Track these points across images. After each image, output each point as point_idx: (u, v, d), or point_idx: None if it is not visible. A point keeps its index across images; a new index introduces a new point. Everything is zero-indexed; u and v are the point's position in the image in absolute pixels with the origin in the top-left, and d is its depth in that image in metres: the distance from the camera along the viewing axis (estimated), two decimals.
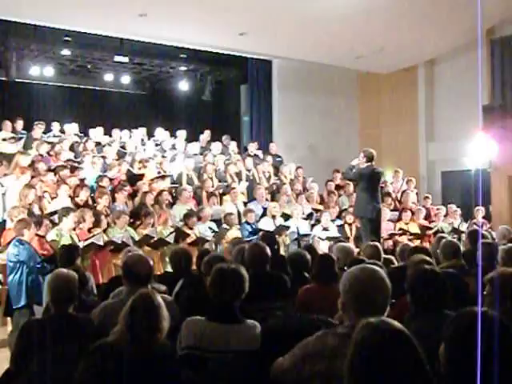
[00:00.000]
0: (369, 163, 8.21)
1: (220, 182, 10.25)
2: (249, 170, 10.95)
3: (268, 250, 4.38)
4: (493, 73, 11.89)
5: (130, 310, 2.76)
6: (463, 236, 8.97)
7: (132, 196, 8.97)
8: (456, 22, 10.87)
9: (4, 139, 10.11)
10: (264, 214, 9.38)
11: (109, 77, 14.29)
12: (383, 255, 5.44)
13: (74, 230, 7.13)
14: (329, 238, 8.92)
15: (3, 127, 10.47)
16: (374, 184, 8.18)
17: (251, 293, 3.15)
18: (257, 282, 3.15)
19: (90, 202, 8.30)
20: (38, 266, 6.12)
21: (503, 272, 3.18)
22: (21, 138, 10.22)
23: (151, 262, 3.65)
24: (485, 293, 3.02)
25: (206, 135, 12.44)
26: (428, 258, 4.25)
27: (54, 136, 11.08)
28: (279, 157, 12.27)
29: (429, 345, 1.95)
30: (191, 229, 8.23)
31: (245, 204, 9.85)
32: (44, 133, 10.78)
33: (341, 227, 9.56)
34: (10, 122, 10.61)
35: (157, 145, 11.69)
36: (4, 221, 7.40)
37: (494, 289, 2.94)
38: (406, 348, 1.82)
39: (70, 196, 8.08)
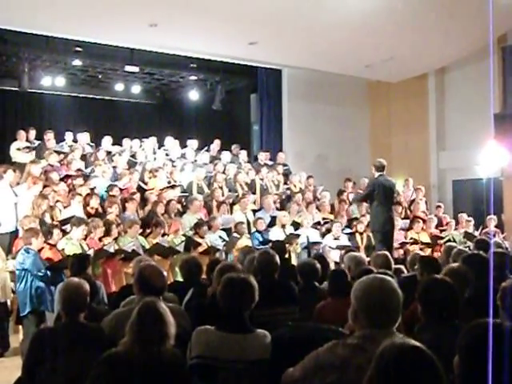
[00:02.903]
0: (379, 173, 8.16)
1: (230, 191, 10.25)
2: (262, 179, 10.96)
3: (277, 259, 4.39)
4: (504, 80, 11.80)
5: (136, 319, 2.79)
6: None
7: (142, 205, 9.00)
8: (466, 29, 10.83)
9: (18, 149, 10.21)
10: (272, 223, 9.36)
11: (119, 87, 14.37)
12: (394, 265, 5.41)
13: (85, 239, 7.16)
14: (339, 247, 8.88)
15: (18, 137, 10.57)
16: (386, 194, 8.12)
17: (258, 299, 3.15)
18: (264, 289, 3.16)
19: (101, 210, 8.34)
20: (40, 273, 6.17)
21: None
22: (35, 148, 10.32)
23: (165, 274, 3.65)
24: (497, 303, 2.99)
25: (216, 144, 12.46)
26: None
27: (68, 146, 11.15)
28: (286, 165, 12.26)
29: (442, 356, 1.92)
30: (202, 238, 8.24)
31: (254, 213, 9.85)
32: (57, 142, 10.85)
33: (351, 236, 9.53)
34: (24, 132, 10.72)
35: (167, 154, 11.72)
36: (17, 230, 7.46)
37: (507, 299, 2.91)
38: (427, 370, 1.80)
39: (82, 205, 8.13)
